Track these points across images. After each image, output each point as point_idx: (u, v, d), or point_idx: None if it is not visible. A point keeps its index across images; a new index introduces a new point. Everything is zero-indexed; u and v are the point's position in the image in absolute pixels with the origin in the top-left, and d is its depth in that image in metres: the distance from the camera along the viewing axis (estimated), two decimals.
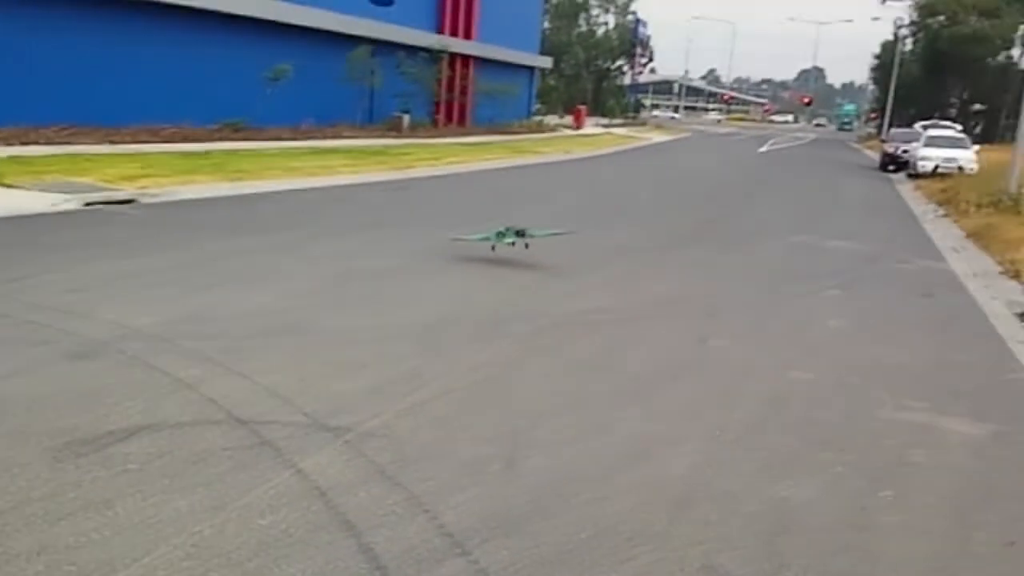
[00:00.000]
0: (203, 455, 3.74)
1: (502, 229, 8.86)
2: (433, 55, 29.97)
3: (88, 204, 10.50)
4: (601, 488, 3.76)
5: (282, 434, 4.01)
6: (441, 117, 32.36)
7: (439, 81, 30.87)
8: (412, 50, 28.74)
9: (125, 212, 10.47)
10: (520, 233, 8.78)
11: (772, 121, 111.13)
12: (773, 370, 5.81)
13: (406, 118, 28.05)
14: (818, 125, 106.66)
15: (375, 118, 27.83)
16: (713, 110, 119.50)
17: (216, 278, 7.26)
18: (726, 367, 5.83)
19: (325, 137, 23.01)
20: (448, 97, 32.57)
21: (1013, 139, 18.40)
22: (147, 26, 19.70)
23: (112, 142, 16.90)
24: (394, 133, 26.70)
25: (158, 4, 19.46)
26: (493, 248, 8.81)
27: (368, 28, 26.57)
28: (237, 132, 20.58)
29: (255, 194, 12.80)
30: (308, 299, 6.80)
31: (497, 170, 20.86)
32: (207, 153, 16.94)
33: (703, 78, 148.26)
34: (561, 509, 3.52)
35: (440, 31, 31.84)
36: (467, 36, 33.60)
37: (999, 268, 10.40)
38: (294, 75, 22.33)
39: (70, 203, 10.34)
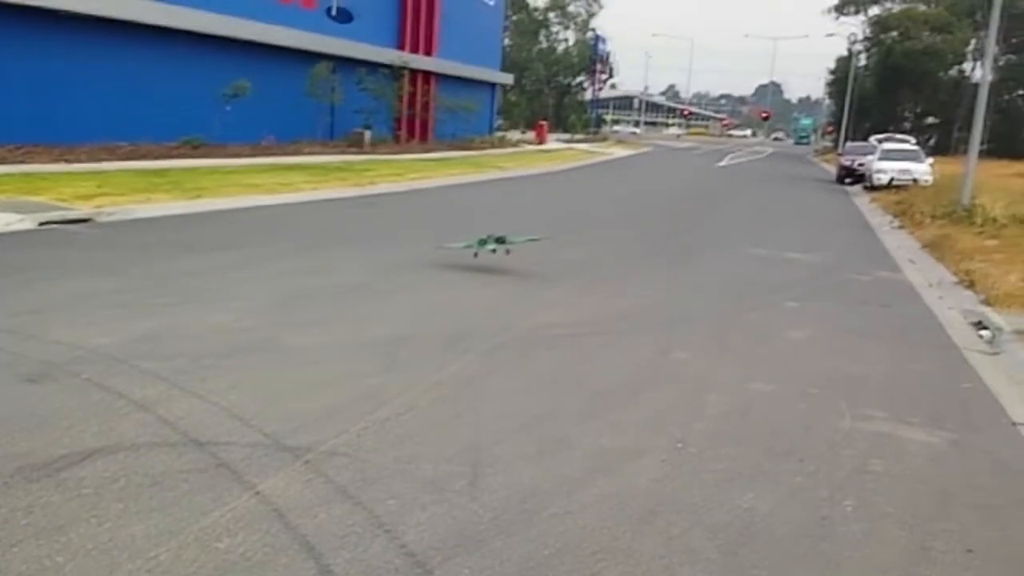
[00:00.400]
0: (159, 478, 3.68)
1: (483, 237, 9.35)
2: (394, 71, 29.96)
3: (43, 224, 10.32)
4: (564, 504, 3.74)
5: (240, 455, 3.95)
6: (403, 133, 32.31)
7: (400, 97, 30.85)
8: (373, 66, 28.72)
9: (81, 231, 10.30)
10: (500, 240, 9.31)
11: (731, 136, 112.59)
12: (734, 382, 5.84)
13: (368, 134, 27.97)
14: (776, 139, 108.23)
15: (336, 134, 27.75)
16: (673, 125, 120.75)
17: (174, 297, 7.15)
18: (688, 380, 5.86)
19: (286, 154, 22.85)
20: (410, 113, 32.53)
21: (966, 151, 18.78)
22: (103, 43, 19.49)
23: (68, 161, 16.64)
24: (356, 149, 26.59)
25: (114, 21, 19.26)
26: (476, 255, 9.27)
27: (328, 45, 26.51)
28: (196, 149, 20.39)
29: (214, 212, 12.67)
30: (268, 317, 6.72)
31: (460, 185, 20.87)
32: (165, 171, 16.74)
33: (663, 94, 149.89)
34: (524, 526, 3.51)
35: (401, 48, 31.84)
36: (428, 53, 33.64)
37: (954, 278, 10.57)
38: (254, 92, 22.20)
39: (24, 223, 10.16)
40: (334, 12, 27.89)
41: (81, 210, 11.23)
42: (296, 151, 23.67)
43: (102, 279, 7.74)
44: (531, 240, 9.83)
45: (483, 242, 9.31)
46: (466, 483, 3.87)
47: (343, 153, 25.17)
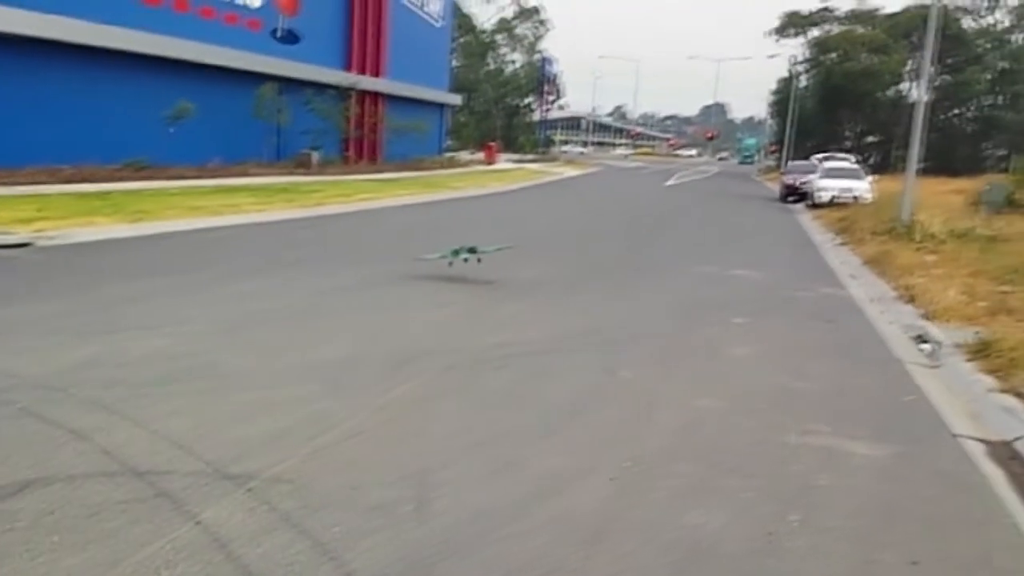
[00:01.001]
0: (96, 509, 3.57)
1: (456, 248, 10.06)
2: (342, 92, 29.87)
3: None
4: (513, 526, 3.72)
5: (181, 484, 3.85)
6: (352, 154, 32.19)
7: (348, 118, 30.74)
8: (321, 87, 28.61)
9: (19, 256, 10.04)
10: (472, 250, 10.03)
11: (678, 155, 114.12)
12: (681, 399, 5.87)
13: (316, 155, 27.81)
14: (721, 159, 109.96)
15: (284, 155, 27.55)
16: (621, 145, 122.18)
17: (114, 323, 6.99)
18: (636, 398, 5.87)
19: (232, 175, 22.61)
20: (358, 134, 32.44)
21: (906, 169, 19.24)
22: (43, 65, 19.14)
23: (6, 184, 16.26)
24: (303, 170, 26.42)
25: (54, 43, 18.92)
26: (450, 264, 10.01)
27: (275, 66, 26.38)
28: (140, 172, 20.09)
29: (157, 235, 12.45)
30: (211, 342, 6.59)
31: (410, 206, 20.81)
32: (107, 193, 16.44)
33: (610, 115, 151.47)
34: (473, 550, 3.47)
35: (348, 69, 31.78)
36: (376, 74, 33.62)
37: (895, 293, 10.78)
38: (199, 113, 21.99)
39: None
40: (280, 33, 27.74)
41: (20, 234, 10.97)
42: (242, 172, 23.45)
43: (40, 304, 7.54)
44: (500, 249, 10.45)
45: (456, 252, 10.01)
46: (414, 507, 3.82)
47: (290, 174, 25.00)
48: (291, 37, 28.17)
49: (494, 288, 9.69)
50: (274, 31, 27.51)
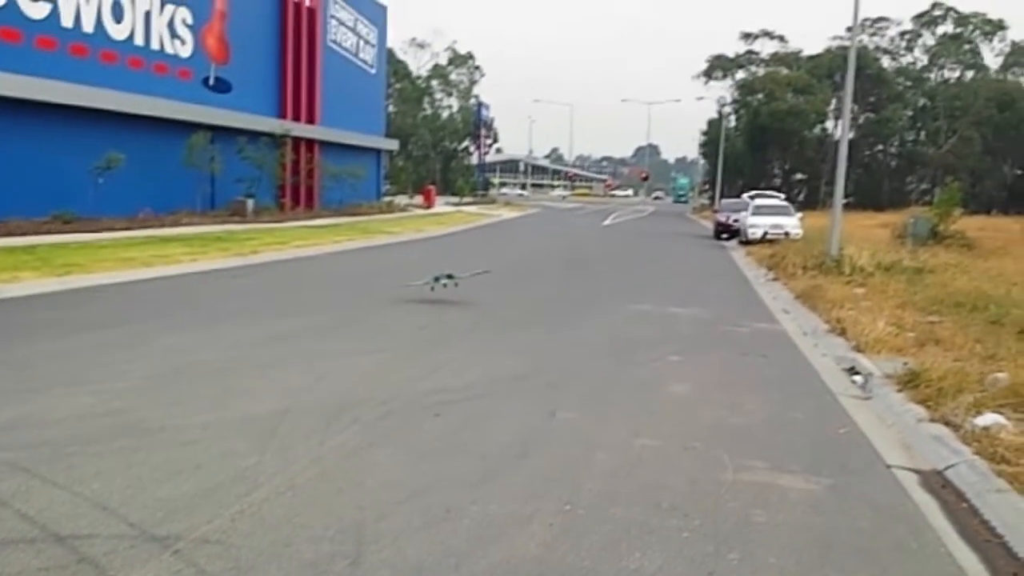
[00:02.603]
0: None
1: (437, 275, 11.96)
2: (276, 139, 29.69)
3: None
4: None
5: (104, 549, 3.69)
6: (287, 201, 31.91)
7: (284, 165, 30.52)
8: (254, 135, 28.38)
9: None
10: (450, 276, 11.97)
11: (614, 196, 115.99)
12: (620, 439, 5.87)
13: (250, 203, 27.52)
14: (656, 198, 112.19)
15: (218, 204, 27.22)
16: (558, 186, 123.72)
17: (38, 382, 6.74)
18: (575, 439, 5.84)
19: (164, 226, 22.23)
20: (294, 181, 32.21)
21: (832, 205, 19.78)
22: None
23: None
24: (238, 218, 26.12)
25: None
26: (432, 289, 11.78)
27: (206, 114, 26.13)
28: (68, 224, 19.62)
29: (85, 288, 12.12)
30: (139, 398, 6.39)
31: (347, 252, 20.65)
32: (33, 247, 16.00)
33: (547, 157, 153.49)
34: None
35: (282, 116, 31.61)
36: (310, 121, 33.55)
37: (826, 326, 10.99)
38: (129, 163, 21.63)
39: None
40: (211, 82, 27.53)
41: None
42: (175, 222, 23.08)
43: None
44: (475, 274, 12.55)
45: (437, 279, 11.87)
46: (348, 564, 3.72)
47: (225, 223, 24.69)
48: (223, 85, 27.97)
49: (427, 331, 9.63)
50: (205, 80, 27.29)
